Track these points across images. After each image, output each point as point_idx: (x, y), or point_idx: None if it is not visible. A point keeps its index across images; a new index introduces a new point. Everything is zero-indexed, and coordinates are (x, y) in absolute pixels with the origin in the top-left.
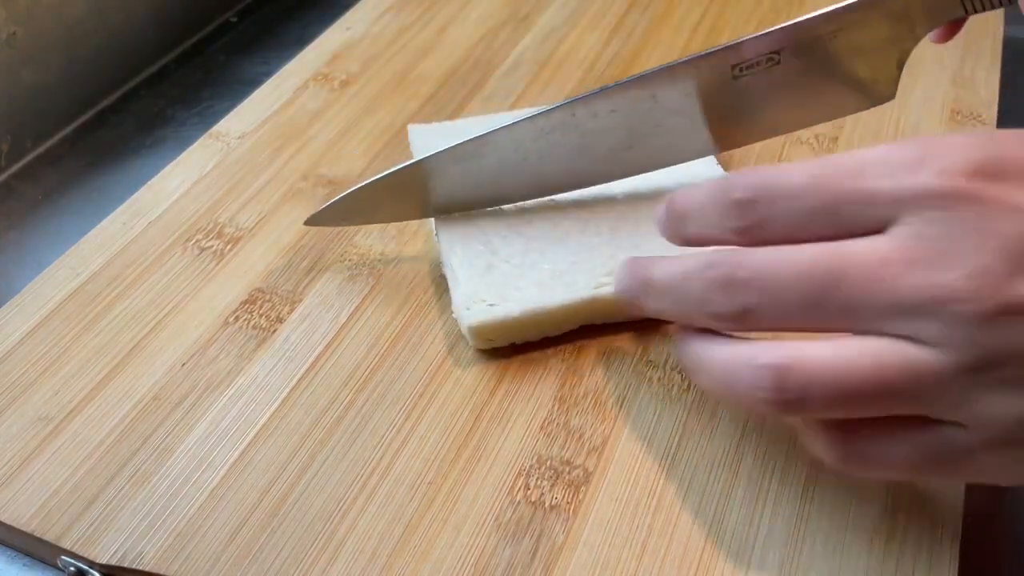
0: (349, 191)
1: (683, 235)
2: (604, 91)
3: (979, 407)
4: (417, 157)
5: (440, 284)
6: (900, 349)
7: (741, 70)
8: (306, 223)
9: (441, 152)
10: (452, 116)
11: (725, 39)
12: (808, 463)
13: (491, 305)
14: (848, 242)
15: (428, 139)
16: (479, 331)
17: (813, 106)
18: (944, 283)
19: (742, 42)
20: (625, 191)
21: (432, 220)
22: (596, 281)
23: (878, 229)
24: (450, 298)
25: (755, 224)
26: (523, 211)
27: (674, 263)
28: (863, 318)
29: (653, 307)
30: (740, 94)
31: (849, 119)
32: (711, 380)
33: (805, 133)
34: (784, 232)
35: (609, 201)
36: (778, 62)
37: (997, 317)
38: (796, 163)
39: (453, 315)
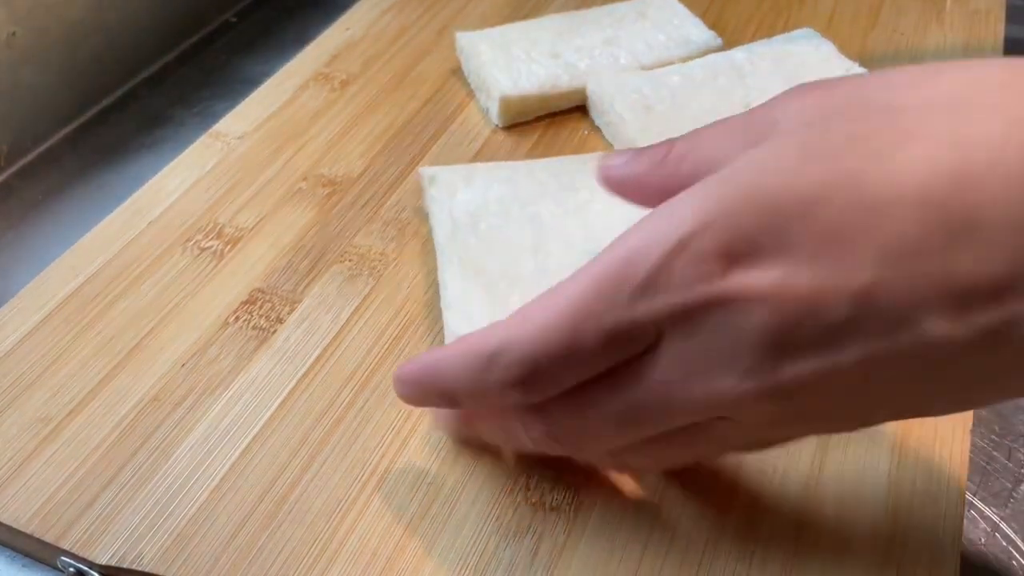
0: None
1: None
2: None
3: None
4: (468, 63)
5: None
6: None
7: None
8: None
9: None
10: (452, 116)
11: (725, 39)
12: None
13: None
14: (629, 378)
15: (475, 45)
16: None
17: None
18: (724, 390)
19: None
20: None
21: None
22: None
23: (651, 345)
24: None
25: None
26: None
27: (494, 425)
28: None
29: (481, 433)
30: None
31: None
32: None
33: None
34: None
35: None
36: None
37: (773, 399)
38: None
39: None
